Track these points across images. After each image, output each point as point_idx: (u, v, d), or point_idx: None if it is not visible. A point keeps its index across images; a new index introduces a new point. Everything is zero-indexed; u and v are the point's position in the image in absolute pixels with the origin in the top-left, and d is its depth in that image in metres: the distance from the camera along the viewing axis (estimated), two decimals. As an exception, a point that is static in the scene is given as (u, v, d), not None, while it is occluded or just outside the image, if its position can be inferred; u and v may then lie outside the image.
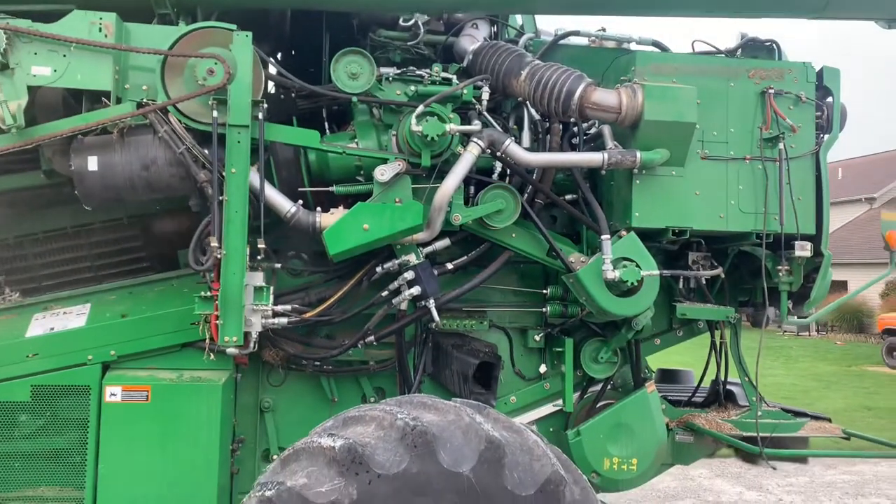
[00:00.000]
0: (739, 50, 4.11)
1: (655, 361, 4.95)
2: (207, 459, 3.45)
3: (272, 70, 3.56)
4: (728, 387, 4.34)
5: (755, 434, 3.92)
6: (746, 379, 4.15)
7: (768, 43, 4.08)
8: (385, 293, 3.57)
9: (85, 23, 3.29)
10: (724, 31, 4.49)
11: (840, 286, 29.41)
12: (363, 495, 2.51)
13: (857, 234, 30.62)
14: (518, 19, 4.38)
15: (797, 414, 4.21)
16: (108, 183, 3.32)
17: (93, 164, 3.29)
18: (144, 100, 3.33)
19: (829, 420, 4.30)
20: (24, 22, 3.26)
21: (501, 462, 2.60)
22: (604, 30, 4.27)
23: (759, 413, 4.03)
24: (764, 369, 14.20)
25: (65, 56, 3.26)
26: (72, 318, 3.65)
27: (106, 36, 3.29)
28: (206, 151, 3.29)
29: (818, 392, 14.91)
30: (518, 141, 3.74)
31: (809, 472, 8.52)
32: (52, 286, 3.92)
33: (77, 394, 3.49)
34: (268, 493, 2.55)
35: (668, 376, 5.01)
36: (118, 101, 3.32)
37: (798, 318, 4.01)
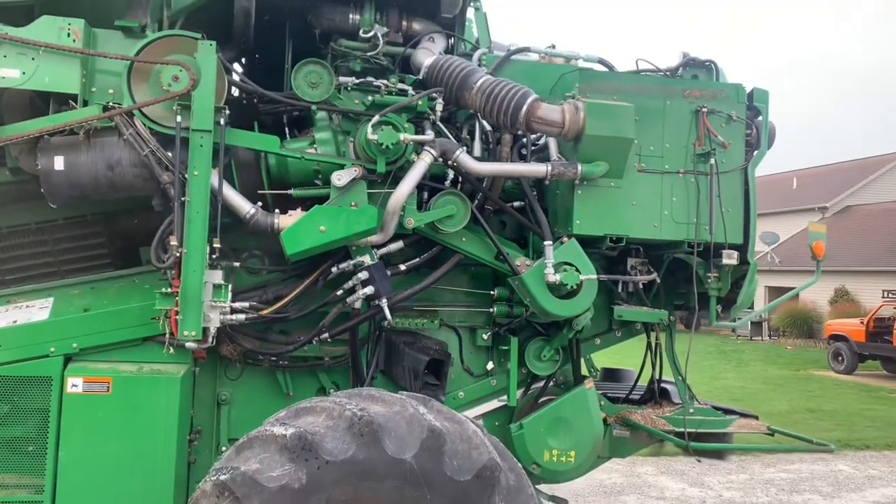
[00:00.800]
0: (680, 68, 4.40)
1: (602, 361, 5.23)
2: (165, 449, 3.59)
3: (235, 77, 3.72)
4: (663, 385, 4.61)
5: (691, 431, 4.18)
6: (680, 378, 4.41)
7: (707, 63, 4.37)
8: (340, 292, 3.76)
9: (54, 27, 3.43)
10: (668, 51, 4.76)
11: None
12: (312, 480, 2.71)
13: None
14: (473, 32, 4.61)
15: (726, 411, 4.48)
16: (73, 182, 3.46)
17: (59, 163, 3.43)
18: (110, 103, 3.47)
19: (756, 417, 4.58)
20: (-6, 26, 3.39)
21: (441, 450, 2.82)
22: (553, 46, 4.52)
23: (691, 410, 4.30)
24: (716, 372, 14.82)
25: (33, 59, 3.40)
26: (35, 311, 3.77)
27: (74, 41, 3.43)
28: (170, 154, 3.45)
29: (765, 395, 15.42)
30: (470, 150, 3.97)
31: (749, 470, 8.93)
32: (15, 280, 4.03)
33: (39, 385, 3.59)
34: (222, 478, 2.73)
35: (611, 375, 5.26)
36: (85, 103, 3.47)
37: (727, 321, 4.27)
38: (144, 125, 3.45)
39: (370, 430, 2.78)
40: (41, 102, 3.62)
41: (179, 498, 3.64)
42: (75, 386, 3.59)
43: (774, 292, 30.96)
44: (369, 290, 3.66)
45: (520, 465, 3.08)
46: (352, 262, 3.69)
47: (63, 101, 3.51)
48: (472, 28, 4.68)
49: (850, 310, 25.06)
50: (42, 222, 4.02)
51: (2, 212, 3.99)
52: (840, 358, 19.99)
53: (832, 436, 11.06)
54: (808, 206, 34.94)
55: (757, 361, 22.01)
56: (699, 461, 4.33)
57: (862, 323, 19.68)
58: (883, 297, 20.79)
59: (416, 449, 2.79)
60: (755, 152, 4.06)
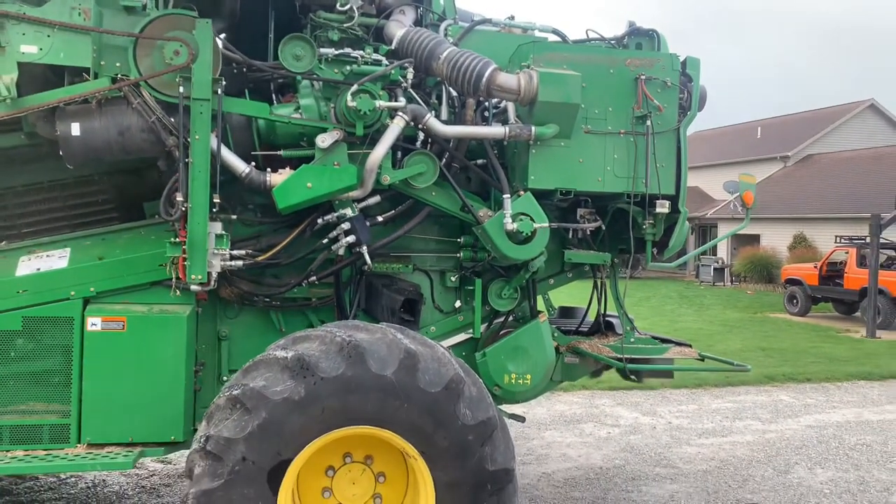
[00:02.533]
0: (626, 37, 4.93)
1: (561, 300, 5.85)
2: (175, 378, 4.15)
3: (228, 52, 4.18)
4: (608, 319, 5.25)
5: (631, 357, 4.83)
6: (622, 312, 5.05)
7: (650, 32, 4.91)
8: (325, 241, 4.30)
9: (66, 7, 3.85)
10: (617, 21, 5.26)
11: (753, 239, 31.44)
12: (309, 393, 3.29)
13: (771, 191, 32.54)
14: (440, 3, 5.06)
15: (663, 341, 5.14)
16: (88, 146, 3.93)
17: (76, 129, 3.89)
18: (119, 75, 3.92)
19: (690, 346, 5.25)
20: (13, 6, 3.80)
21: (416, 367, 3.41)
22: (512, 17, 5.02)
23: (632, 339, 4.95)
24: (676, 316, 15.67)
25: (49, 37, 3.83)
26: (54, 260, 4.26)
27: (85, 19, 3.86)
28: (173, 120, 3.92)
29: (721, 335, 16.35)
30: (437, 114, 4.49)
31: (699, 402, 9.74)
32: (32, 233, 4.50)
33: (62, 324, 4.10)
34: (235, 392, 3.31)
35: (566, 313, 5.88)
36: (95, 76, 3.91)
37: (662, 262, 4.89)
38: (150, 95, 3.91)
39: (357, 352, 3.36)
40: (54, 75, 4.05)
41: (187, 420, 4.21)
42: (94, 325, 4.11)
43: (736, 239, 32.02)
44: (351, 238, 4.21)
45: (480, 380, 3.69)
46: (335, 214, 4.22)
47: (76, 73, 3.94)
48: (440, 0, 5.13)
49: (807, 255, 26.13)
50: (54, 181, 4.48)
51: (18, 171, 4.43)
52: (795, 301, 21.05)
53: (778, 370, 11.98)
54: (771, 156, 35.87)
55: (717, 306, 23.02)
56: (635, 380, 4.96)
57: (815, 267, 20.69)
58: (836, 243, 21.78)
59: (395, 367, 3.38)
60: (687, 114, 4.63)
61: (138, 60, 3.90)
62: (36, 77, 3.96)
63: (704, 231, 35.26)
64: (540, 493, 6.06)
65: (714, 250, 33.72)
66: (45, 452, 4.08)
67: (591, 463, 6.88)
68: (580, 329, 5.33)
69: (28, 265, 4.21)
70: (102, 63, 3.94)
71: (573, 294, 5.97)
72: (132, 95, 3.91)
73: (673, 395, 10.08)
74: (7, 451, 4.05)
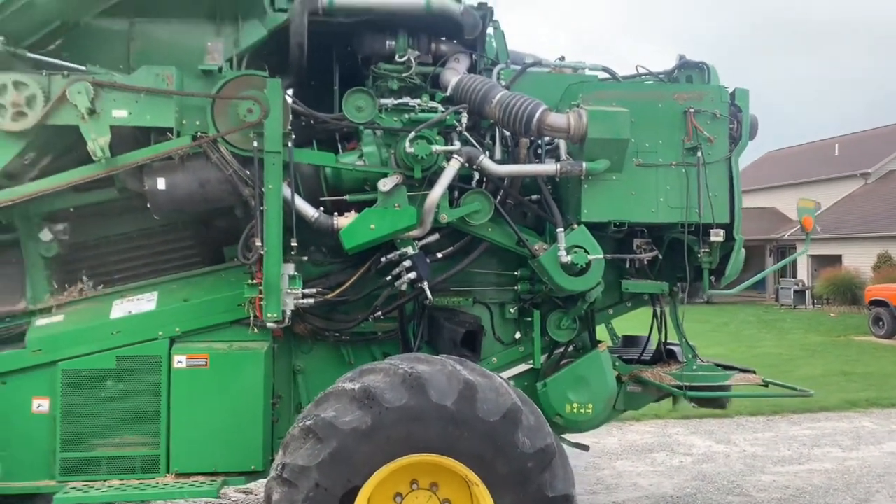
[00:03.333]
0: (676, 71, 5.06)
1: (628, 329, 5.89)
2: (254, 411, 4.45)
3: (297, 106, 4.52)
4: (670, 347, 5.31)
5: (693, 385, 4.87)
6: (684, 340, 5.10)
7: (700, 64, 5.03)
8: (388, 278, 4.55)
9: (152, 74, 4.27)
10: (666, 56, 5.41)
11: (835, 260, 30.35)
12: (375, 423, 3.52)
13: (852, 210, 31.45)
14: (493, 49, 5.31)
15: (726, 367, 5.16)
16: (173, 198, 4.31)
17: (161, 184, 4.28)
18: (199, 133, 4.31)
19: (754, 372, 5.25)
20: (106, 76, 4.25)
21: (475, 397, 3.59)
22: (563, 58, 5.23)
23: (694, 367, 4.99)
24: (755, 341, 15.38)
25: (137, 101, 4.24)
26: (144, 303, 4.65)
27: (168, 84, 4.27)
28: (248, 172, 4.27)
29: (802, 360, 15.86)
30: (491, 154, 4.71)
31: (775, 429, 9.52)
32: (124, 279, 4.91)
33: (151, 362, 4.46)
34: (307, 423, 3.56)
35: (630, 341, 5.95)
36: (178, 134, 4.31)
37: (720, 290, 4.93)
38: (227, 149, 4.27)
39: (418, 383, 3.57)
40: (141, 135, 4.46)
41: (265, 450, 4.49)
42: (180, 362, 4.46)
43: (818, 260, 30.97)
44: (413, 275, 4.44)
45: (538, 409, 3.84)
46: (397, 252, 4.47)
47: (161, 132, 4.35)
48: (493, 43, 5.38)
49: (892, 275, 25.06)
50: (142, 230, 4.90)
51: (111, 222, 4.87)
52: (881, 323, 20.20)
53: (861, 396, 11.56)
54: (851, 173, 34.67)
55: (798, 329, 22.31)
56: (694, 406, 4.98)
57: (902, 287, 19.86)
58: (923, 261, 20.87)
59: (455, 397, 3.57)
60: (738, 144, 4.71)
61: (216, 119, 4.27)
62: (125, 137, 4.37)
63: (783, 252, 34.19)
64: (609, 521, 6.10)
65: (784, 271, 32.60)
66: (138, 482, 4.41)
67: (662, 492, 6.85)
68: (642, 358, 5.40)
69: (121, 308, 4.61)
70: (184, 122, 4.33)
71: (639, 322, 6.03)
72: (211, 151, 4.28)
73: (749, 423, 9.87)
74: (105, 480, 4.41)
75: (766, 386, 5.12)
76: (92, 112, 4.16)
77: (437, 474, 3.86)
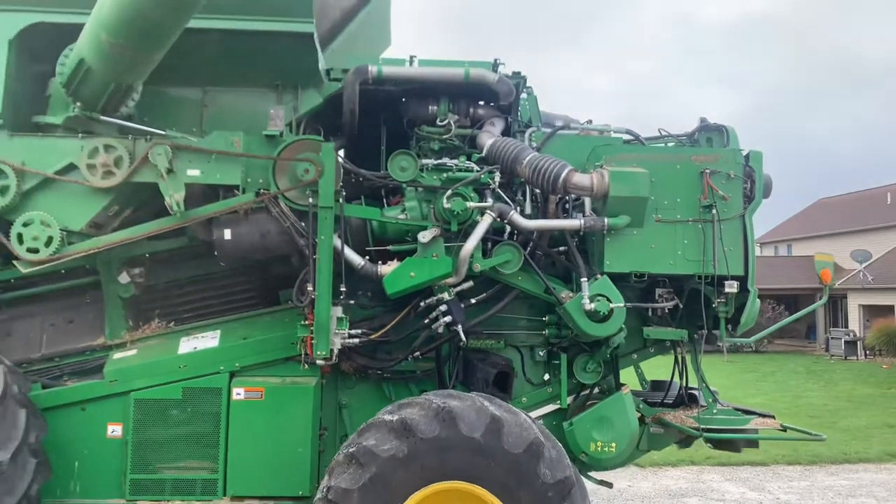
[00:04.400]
0: (697, 133, 5.48)
1: (657, 374, 6.19)
2: (303, 440, 4.90)
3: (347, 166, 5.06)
4: (692, 391, 5.60)
5: (711, 427, 5.17)
6: (704, 385, 5.40)
7: (720, 127, 5.43)
8: (426, 321, 4.99)
9: (222, 138, 4.86)
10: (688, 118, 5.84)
11: (887, 310, 29.74)
12: (411, 451, 3.94)
13: (905, 260, 30.87)
14: (527, 112, 5.80)
15: (745, 412, 5.43)
16: (238, 247, 4.86)
17: (228, 234, 4.83)
18: (261, 190, 4.86)
19: (773, 416, 5.49)
20: (182, 139, 4.86)
21: (501, 431, 3.99)
22: (590, 121, 5.69)
23: (715, 411, 5.28)
24: (800, 391, 15.40)
25: (208, 162, 4.83)
26: (208, 340, 5.18)
27: (235, 147, 4.85)
28: (304, 224, 4.79)
29: (847, 411, 15.69)
30: (522, 209, 5.16)
31: (811, 478, 9.58)
32: (190, 318, 5.46)
33: (213, 394, 4.96)
34: (351, 450, 4.00)
35: (657, 386, 6.24)
36: (243, 191, 4.87)
37: (736, 338, 5.25)
38: (285, 205, 4.82)
39: (450, 417, 3.98)
40: (209, 190, 5.04)
41: (312, 477, 4.91)
42: (238, 394, 4.95)
43: (868, 310, 30.40)
44: (448, 318, 4.87)
45: (560, 444, 4.20)
46: (434, 298, 4.92)
47: (228, 189, 4.93)
48: (527, 107, 5.85)
49: (947, 326, 24.50)
50: (208, 274, 5.45)
51: (180, 267, 5.44)
52: (933, 375, 19.76)
53: (906, 449, 11.47)
54: (904, 222, 34.11)
55: (847, 381, 21.92)
56: (711, 447, 5.25)
57: (954, 339, 19.46)
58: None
59: (482, 430, 3.97)
60: (752, 202, 5.07)
61: (276, 177, 4.83)
62: (196, 193, 4.95)
63: (834, 301, 33.65)
64: (636, 560, 6.32)
65: (835, 321, 31.98)
66: (198, 503, 4.88)
67: (691, 534, 7.04)
68: (665, 401, 5.70)
69: (187, 344, 5.15)
70: (248, 180, 4.89)
71: (669, 368, 6.29)
72: (272, 206, 4.83)
73: (785, 472, 9.94)
74: (168, 500, 4.89)
75: (784, 430, 5.36)
76: (170, 171, 4.75)
77: (467, 501, 4.22)
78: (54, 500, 4.83)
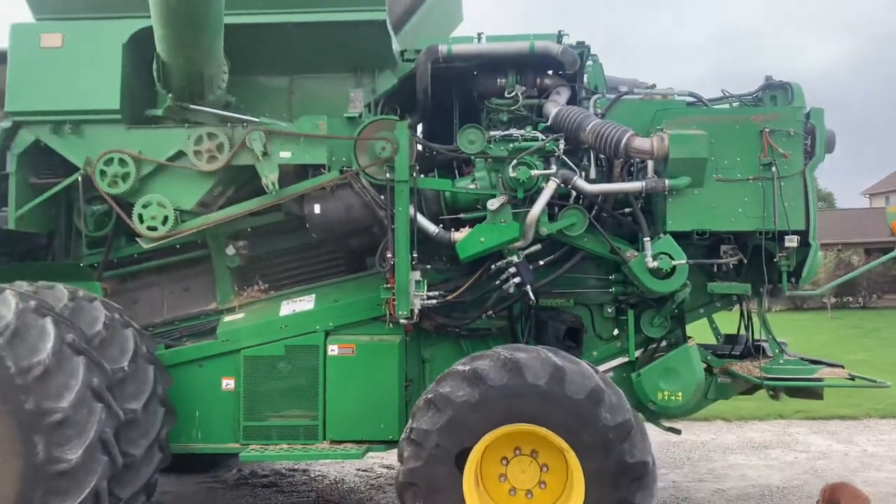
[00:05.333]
0: (761, 91, 5.59)
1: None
2: (391, 391, 5.44)
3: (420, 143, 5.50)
4: (759, 343, 5.79)
5: (774, 376, 5.37)
6: (771, 337, 5.58)
7: (784, 84, 5.53)
8: (498, 282, 5.39)
9: (309, 122, 5.39)
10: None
11: None
12: (482, 397, 4.40)
13: None
14: (594, 79, 6.03)
15: (813, 362, 5.59)
16: (326, 219, 5.40)
17: (317, 209, 5.38)
18: (344, 168, 5.37)
19: (843, 367, 5.61)
20: (273, 125, 5.41)
21: (564, 379, 4.38)
22: (654, 86, 5.88)
23: (781, 361, 5.47)
24: (861, 350, 14.79)
25: (298, 144, 5.38)
26: (305, 303, 5.78)
27: (321, 130, 5.37)
28: (383, 197, 5.27)
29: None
30: (587, 174, 5.46)
31: (904, 431, 9.46)
32: (289, 283, 6.08)
33: (311, 350, 5.56)
34: (430, 396, 4.50)
35: (731, 339, 6.45)
36: (329, 169, 5.40)
37: (800, 291, 5.40)
38: (366, 180, 5.31)
39: (517, 367, 4.41)
40: (300, 169, 5.59)
41: (401, 424, 5.42)
42: (333, 351, 5.53)
43: None
44: (517, 280, 5.26)
45: (620, 391, 4.56)
46: (504, 261, 5.31)
47: (316, 168, 5.47)
48: (594, 74, 6.08)
49: None
50: (302, 245, 6.04)
51: (278, 239, 6.05)
52: None
53: None
54: None
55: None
56: (774, 397, 5.46)
57: None
58: None
59: (546, 378, 4.37)
60: (813, 159, 5.18)
61: (358, 156, 5.32)
62: (288, 173, 5.51)
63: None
64: (710, 501, 6.61)
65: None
66: (301, 446, 5.51)
67: (769, 482, 7.23)
68: (733, 353, 5.92)
69: (287, 307, 5.77)
70: (333, 159, 5.41)
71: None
72: (354, 182, 5.34)
73: (878, 425, 9.86)
74: (276, 444, 5.55)
75: (853, 379, 5.49)
76: (265, 154, 5.32)
77: (537, 443, 4.66)
78: (180, 445, 5.57)
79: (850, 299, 31.96)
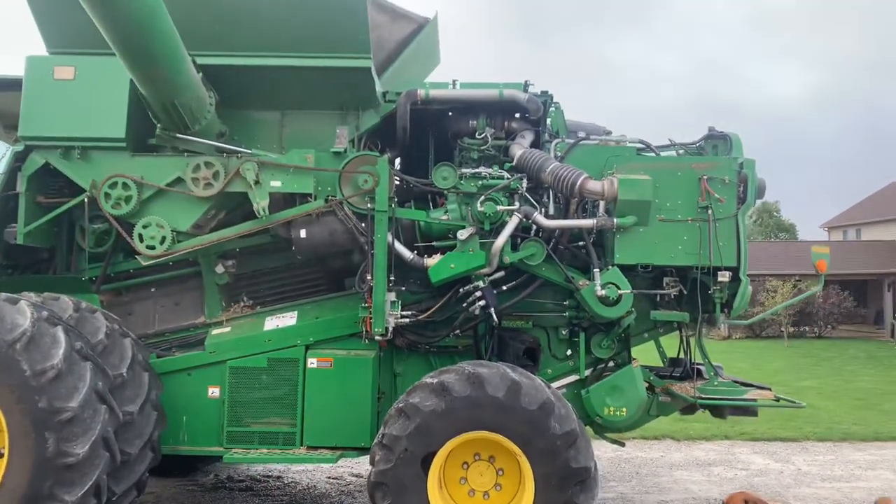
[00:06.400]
0: (704, 140, 6.31)
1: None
2: (364, 402, 5.99)
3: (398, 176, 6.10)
4: (698, 366, 6.46)
5: (713, 398, 6.04)
6: (707, 361, 6.26)
7: (724, 135, 6.25)
8: (465, 304, 5.99)
9: (298, 155, 5.97)
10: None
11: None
12: (447, 406, 4.97)
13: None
14: (555, 125, 6.70)
15: (744, 384, 6.26)
16: (311, 243, 5.97)
17: (304, 233, 5.94)
18: (329, 196, 5.95)
19: (769, 389, 6.30)
20: (265, 156, 5.99)
21: (519, 392, 4.98)
22: (609, 133, 6.58)
23: (715, 383, 6.14)
24: (852, 376, 16.07)
25: (287, 175, 5.95)
26: (287, 319, 6.31)
27: (309, 162, 5.95)
28: (363, 225, 5.86)
29: (894, 395, 15.99)
30: (546, 211, 6.11)
31: (838, 453, 10.21)
32: (273, 301, 6.62)
33: (292, 363, 6.09)
34: (400, 405, 5.07)
35: (674, 362, 7.10)
36: (315, 198, 5.97)
37: (733, 321, 6.09)
38: (349, 209, 5.89)
39: (479, 381, 5.00)
40: (288, 197, 6.15)
41: (372, 432, 5.97)
42: (312, 363, 6.07)
43: (937, 296, 29.83)
44: (482, 303, 5.86)
45: (569, 404, 5.17)
46: (472, 285, 5.92)
47: (303, 196, 6.04)
48: (557, 119, 6.75)
49: None
50: (287, 265, 6.59)
51: (265, 259, 6.59)
52: None
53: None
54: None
55: (909, 366, 21.94)
56: (719, 416, 6.13)
57: None
58: None
59: (504, 391, 4.97)
60: (744, 204, 5.89)
61: (342, 186, 5.91)
62: (277, 200, 6.08)
63: (902, 287, 33.10)
64: (654, 514, 7.23)
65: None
66: (280, 451, 6.03)
67: (709, 496, 7.87)
68: (673, 374, 6.58)
69: (271, 322, 6.30)
70: (319, 189, 5.99)
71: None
72: (338, 210, 5.92)
73: (814, 447, 10.59)
74: (257, 448, 6.05)
75: (778, 400, 6.18)
76: (257, 182, 5.88)
77: (493, 450, 5.24)
78: (169, 446, 6.04)
79: (807, 329, 33.15)
